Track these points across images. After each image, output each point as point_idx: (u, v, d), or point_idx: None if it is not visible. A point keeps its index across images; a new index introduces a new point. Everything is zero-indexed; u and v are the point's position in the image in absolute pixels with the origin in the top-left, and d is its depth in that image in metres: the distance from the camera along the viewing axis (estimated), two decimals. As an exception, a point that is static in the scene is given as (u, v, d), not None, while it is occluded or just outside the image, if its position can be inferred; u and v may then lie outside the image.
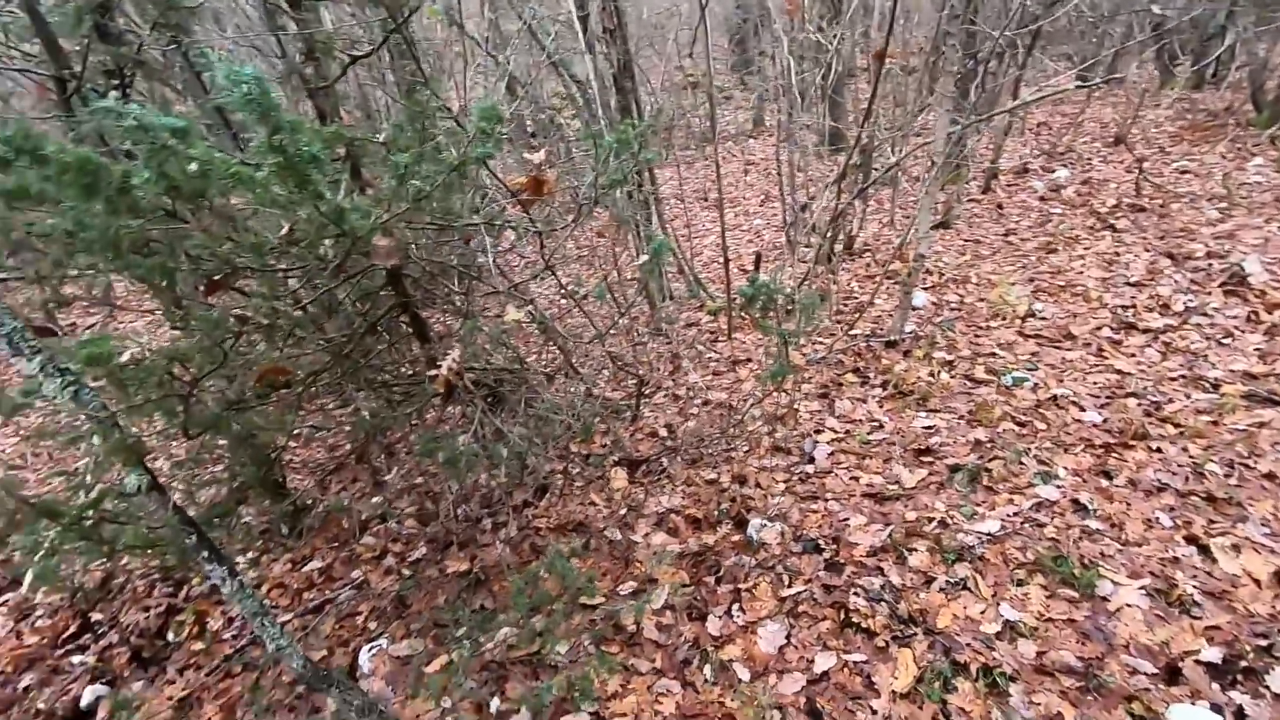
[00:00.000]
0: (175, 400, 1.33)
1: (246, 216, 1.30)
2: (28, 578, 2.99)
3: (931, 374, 3.34)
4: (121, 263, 1.29)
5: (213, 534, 2.09)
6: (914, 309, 4.02)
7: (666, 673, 2.10)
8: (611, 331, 4.22)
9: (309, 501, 2.90)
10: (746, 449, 3.08)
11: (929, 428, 2.99)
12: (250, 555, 2.87)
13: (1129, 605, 2.00)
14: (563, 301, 4.29)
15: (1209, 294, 3.59)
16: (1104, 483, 2.49)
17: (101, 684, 2.43)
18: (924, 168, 6.31)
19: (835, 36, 5.34)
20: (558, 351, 3.16)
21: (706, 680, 2.05)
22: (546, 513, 2.88)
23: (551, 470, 3.09)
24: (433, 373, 1.74)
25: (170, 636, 2.60)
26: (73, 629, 2.71)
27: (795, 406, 3.23)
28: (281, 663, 2.37)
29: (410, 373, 2.70)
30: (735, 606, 2.27)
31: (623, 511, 2.80)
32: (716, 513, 2.70)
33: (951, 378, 3.30)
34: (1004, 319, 3.77)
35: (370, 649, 2.32)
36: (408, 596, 2.56)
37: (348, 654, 2.36)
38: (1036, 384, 3.13)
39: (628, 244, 4.25)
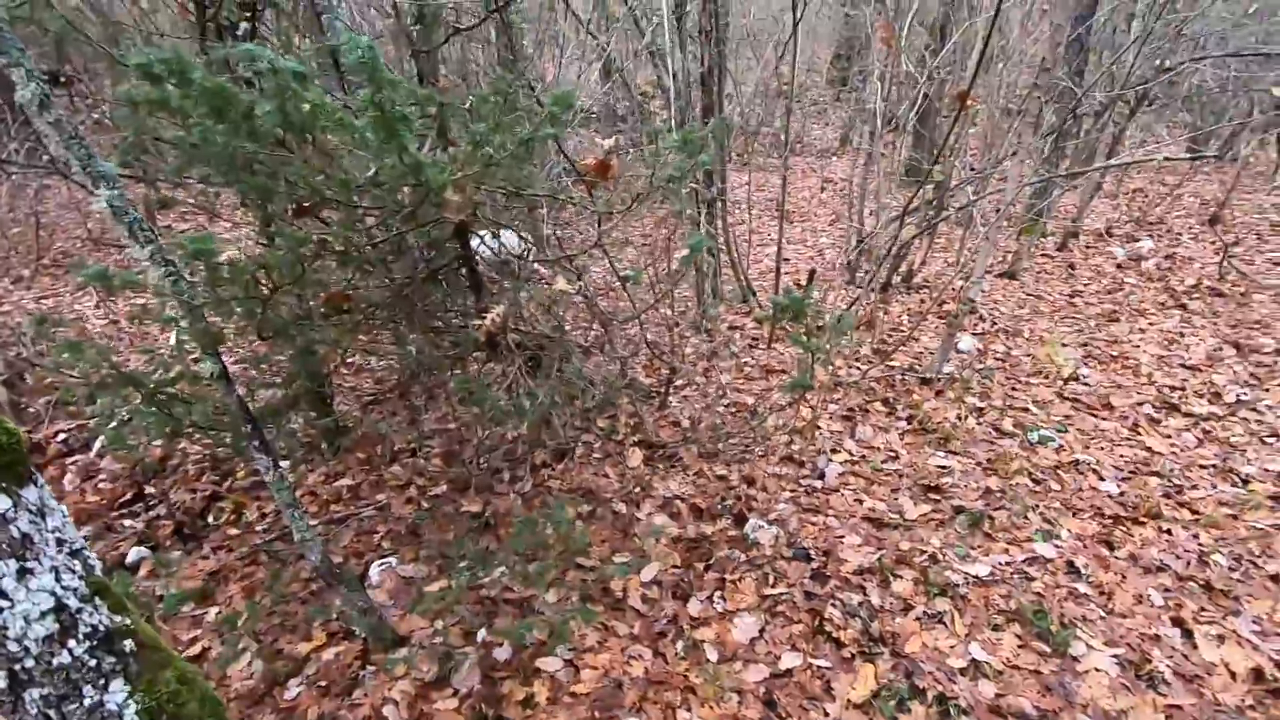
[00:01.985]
0: (255, 303, 1.53)
1: (342, 155, 1.48)
2: (98, 442, 3.33)
3: (959, 417, 3.37)
4: (232, 178, 1.50)
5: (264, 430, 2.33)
6: (957, 351, 4.02)
7: (642, 640, 2.24)
8: (653, 320, 4.37)
9: (349, 424, 3.13)
10: (761, 454, 3.18)
11: (943, 468, 3.03)
12: (290, 460, 3.13)
13: (1098, 669, 2.04)
14: (612, 284, 4.44)
15: (1266, 390, 3.49)
16: (1104, 552, 2.50)
17: (145, 547, 2.72)
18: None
19: (930, 70, 5.31)
20: (598, 328, 3.31)
21: (678, 654, 2.18)
22: (561, 476, 3.05)
23: (573, 438, 3.26)
24: (477, 322, 1.91)
25: (210, 519, 2.88)
26: (128, 496, 3.02)
27: (816, 423, 3.31)
28: (302, 559, 2.61)
29: (460, 323, 2.90)
30: (718, 594, 2.39)
31: (633, 489, 2.94)
32: (719, 506, 2.82)
33: (978, 424, 3.32)
34: (1046, 378, 3.75)
35: (381, 564, 2.54)
36: (421, 526, 2.76)
37: (360, 565, 2.58)
38: (1061, 446, 3.13)
39: (681, 239, 4.37)
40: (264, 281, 1.46)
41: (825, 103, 12.72)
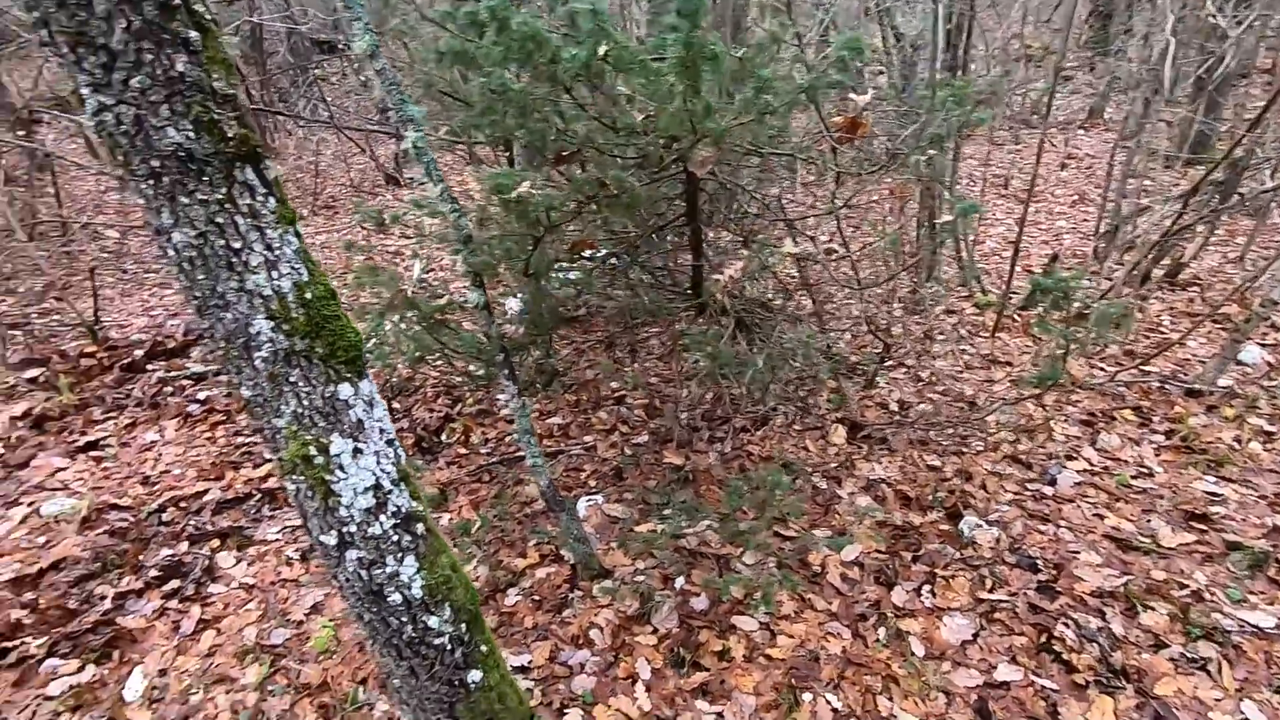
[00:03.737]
0: (529, 240, 1.66)
1: (623, 101, 1.53)
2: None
3: (1238, 439, 2.84)
4: (521, 122, 1.61)
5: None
6: (1238, 362, 3.38)
7: (841, 618, 2.17)
8: (870, 292, 4.14)
9: (561, 367, 3.35)
10: (980, 449, 2.92)
11: (1214, 495, 2.58)
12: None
13: None
14: (829, 251, 4.27)
15: None
16: None
17: (393, 453, 3.13)
18: (1312, 204, 5.05)
19: (1241, 22, 4.41)
20: (808, 297, 3.20)
21: (878, 640, 2.09)
22: (761, 443, 3.03)
23: (775, 406, 3.21)
24: (717, 277, 1.91)
25: (443, 437, 3.24)
26: (380, 408, 3.49)
27: (1050, 423, 2.96)
28: (520, 483, 2.86)
29: (669, 281, 2.95)
30: (926, 588, 2.25)
31: (834, 465, 2.84)
32: (930, 498, 2.64)
33: (1265, 450, 2.77)
34: (1367, 406, 3.03)
35: (588, 500, 2.70)
36: (625, 471, 2.89)
37: (567, 496, 2.77)
38: (1389, 491, 2.52)
39: (911, 208, 4.07)
40: (542, 220, 1.57)
41: (1074, 69, 11.12)
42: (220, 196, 1.04)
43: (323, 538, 1.29)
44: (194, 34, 0.98)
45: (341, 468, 1.24)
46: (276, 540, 2.66)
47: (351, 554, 1.30)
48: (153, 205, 1.04)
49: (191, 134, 1.00)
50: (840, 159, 2.25)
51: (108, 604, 2.33)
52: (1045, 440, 2.90)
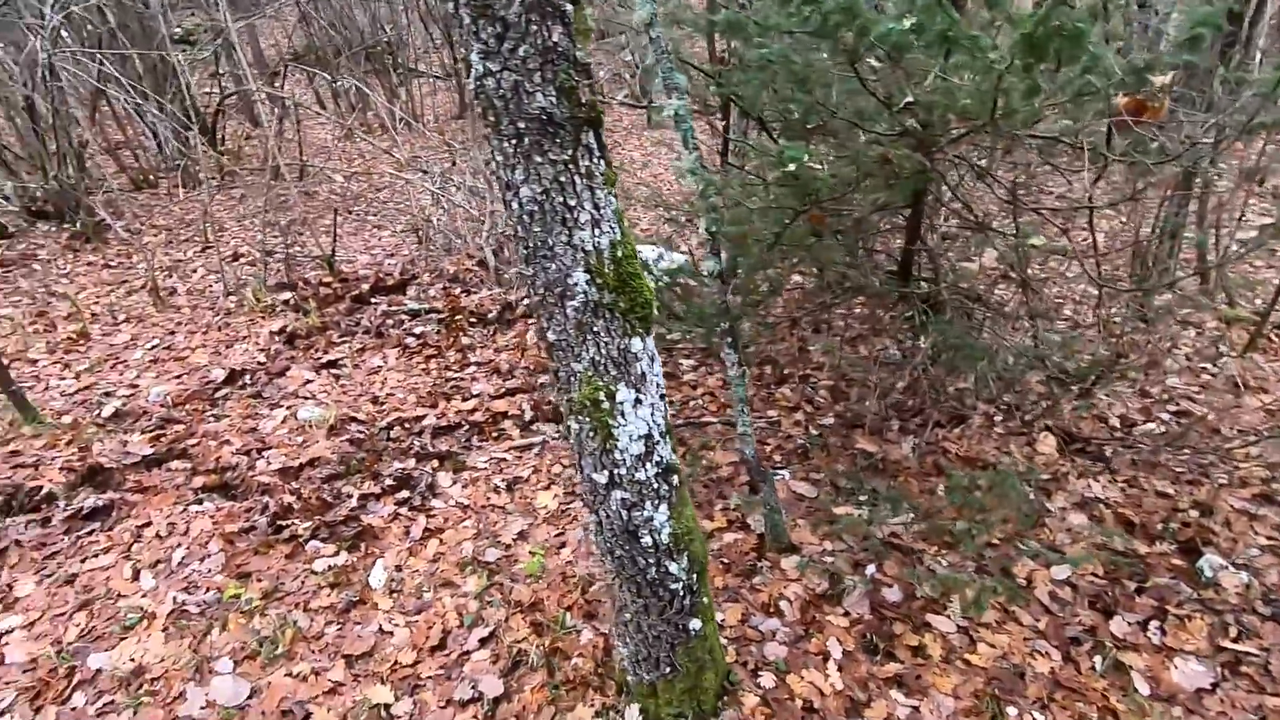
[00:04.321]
0: (789, 214, 1.67)
1: (917, 75, 1.48)
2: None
3: None
4: (795, 93, 1.60)
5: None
6: None
7: (1049, 638, 2.05)
8: (1078, 295, 3.77)
9: (749, 340, 3.36)
10: (1224, 482, 2.60)
11: None
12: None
13: None
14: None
15: None
16: None
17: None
18: None
19: None
20: (1032, 292, 2.96)
21: (1094, 668, 1.96)
22: (957, 441, 2.89)
23: (973, 405, 3.04)
24: (966, 264, 1.83)
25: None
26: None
27: (1321, 465, 2.57)
28: (712, 449, 2.93)
29: (870, 264, 2.84)
30: (1154, 624, 2.06)
31: (1044, 476, 2.65)
32: (1161, 527, 2.39)
33: None
34: None
35: (775, 474, 2.72)
36: (811, 451, 2.88)
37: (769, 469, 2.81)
38: None
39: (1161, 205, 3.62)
40: (813, 194, 1.58)
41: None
42: (567, 157, 1.14)
43: (595, 475, 1.41)
44: (569, 6, 1.07)
45: (623, 414, 1.34)
46: (485, 469, 2.94)
47: (617, 494, 1.41)
48: (510, 162, 1.16)
49: (555, 99, 1.10)
50: (1113, 146, 2.05)
51: (353, 502, 2.70)
52: (1312, 483, 2.52)
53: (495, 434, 3.18)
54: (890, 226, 2.87)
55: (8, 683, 2.01)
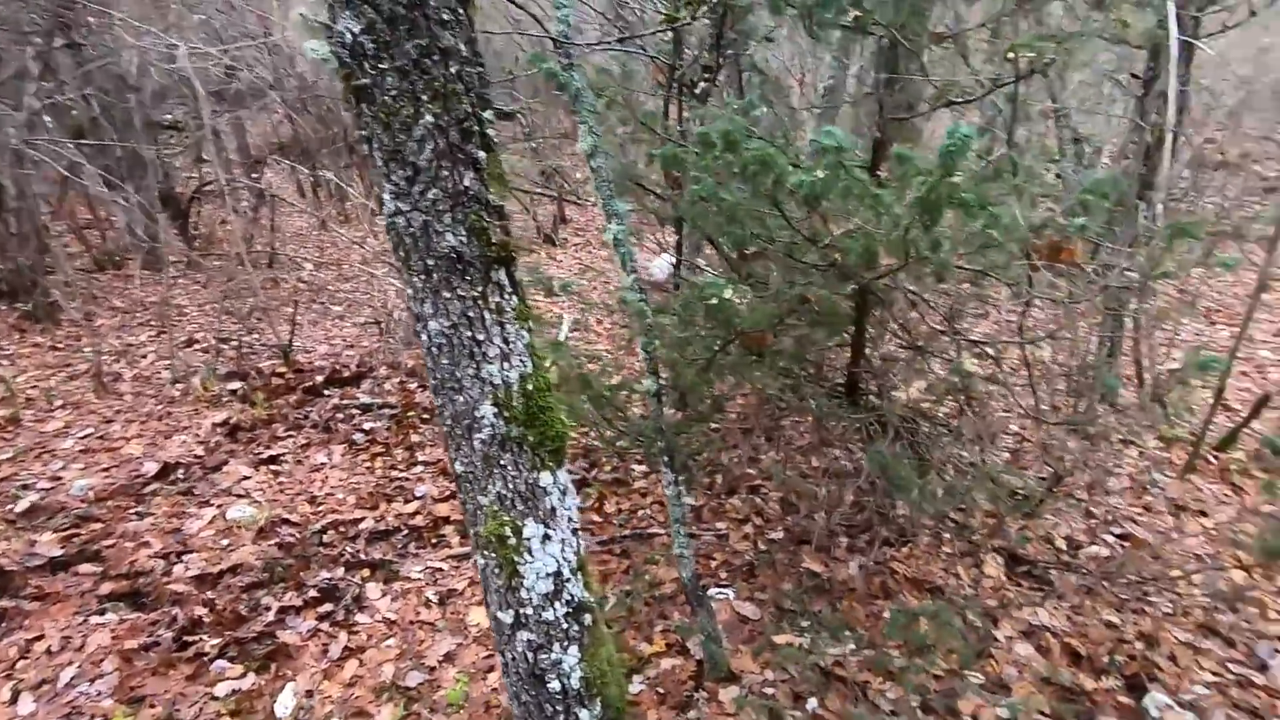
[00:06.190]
0: (717, 339, 1.70)
1: (831, 215, 1.56)
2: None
3: None
4: (720, 226, 1.66)
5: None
6: None
7: (995, 786, 1.94)
8: (1019, 411, 3.85)
9: (702, 451, 3.34)
10: (1168, 611, 2.57)
11: None
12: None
13: None
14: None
15: None
16: None
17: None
18: None
19: None
20: (976, 415, 3.01)
21: (1041, 822, 1.84)
22: (905, 561, 2.84)
23: (919, 523, 3.01)
24: (896, 393, 1.85)
25: (579, 502, 3.31)
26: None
27: (1262, 597, 2.56)
28: (649, 563, 2.84)
29: (818, 376, 2.88)
30: (1102, 771, 1.97)
31: (990, 602, 2.60)
32: (1106, 660, 2.34)
33: None
34: None
35: (718, 593, 2.63)
36: (758, 568, 2.80)
37: (705, 594, 2.71)
38: None
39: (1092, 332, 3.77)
40: (736, 323, 1.61)
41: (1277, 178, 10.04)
42: (476, 294, 1.15)
43: (500, 614, 1.33)
44: (482, 154, 1.11)
45: (530, 551, 1.29)
46: (419, 580, 2.80)
47: (523, 635, 1.34)
48: (419, 296, 1.16)
49: (465, 239, 1.12)
50: (1035, 282, 2.15)
51: (271, 615, 2.54)
52: (1257, 616, 2.50)
53: (435, 540, 3.05)
54: (837, 344, 2.93)
55: None
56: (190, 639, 2.38)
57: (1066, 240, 2.01)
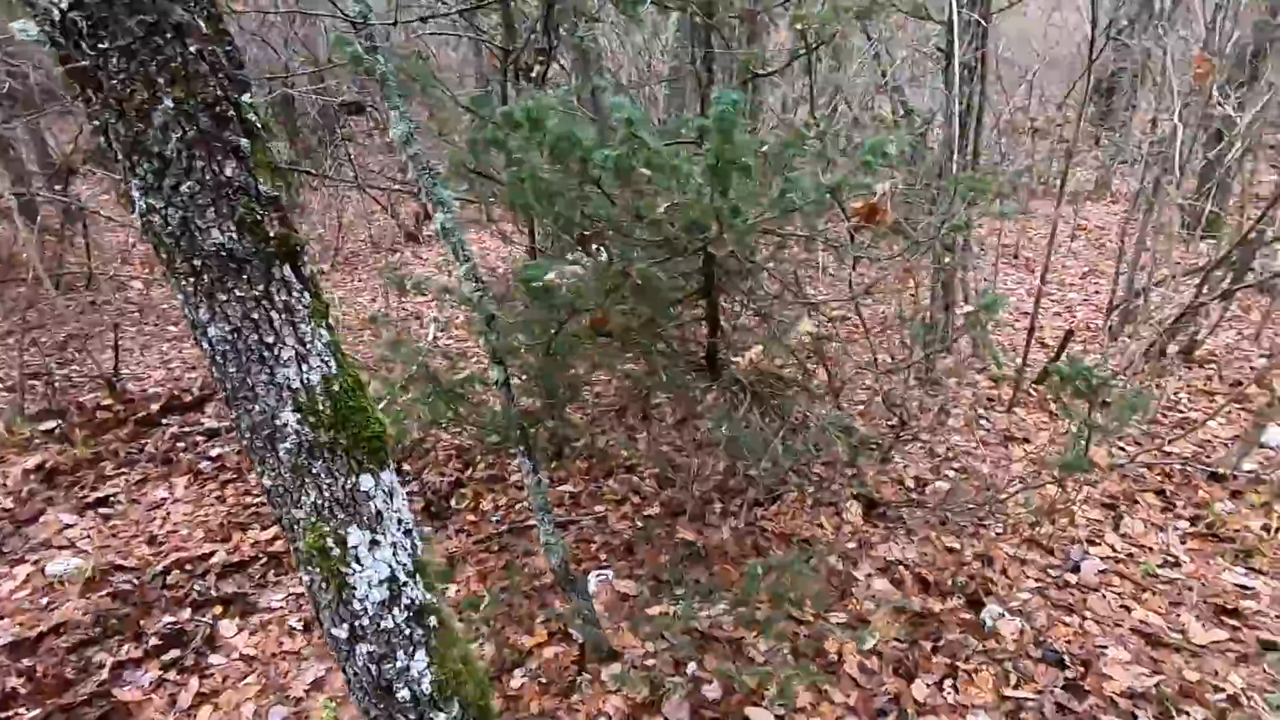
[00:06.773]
0: (553, 323, 1.68)
1: (646, 190, 1.57)
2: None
3: (1266, 528, 2.77)
4: (547, 208, 1.65)
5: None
6: (1262, 445, 3.32)
7: (860, 713, 2.09)
8: (872, 366, 4.14)
9: (574, 436, 3.33)
10: (1000, 532, 2.86)
11: (1245, 588, 2.50)
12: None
13: None
14: (840, 325, 4.29)
15: None
16: None
17: (402, 519, 3.09)
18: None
19: (1248, 110, 4.53)
20: (825, 372, 3.20)
21: (899, 739, 2.00)
22: (774, 519, 2.98)
23: (784, 481, 3.17)
24: (736, 359, 1.92)
25: (453, 503, 3.21)
26: (391, 470, 3.47)
27: (1071, 507, 2.90)
28: (529, 555, 2.81)
29: (681, 351, 2.96)
30: (948, 682, 2.16)
31: (850, 545, 2.78)
32: (951, 583, 2.57)
33: (1295, 541, 2.70)
34: (1399, 496, 2.95)
35: (599, 575, 2.64)
36: (636, 545, 2.84)
37: (577, 572, 2.71)
38: None
39: (922, 284, 4.10)
40: (565, 306, 1.60)
41: (1080, 144, 11.36)
42: (257, 293, 1.06)
43: (334, 631, 1.26)
44: (244, 141, 1.02)
45: (358, 560, 1.22)
46: (280, 608, 2.61)
47: (362, 648, 1.27)
48: (191, 301, 1.06)
49: (234, 235, 1.03)
50: (858, 243, 2.29)
51: (105, 673, 2.28)
52: (1068, 524, 2.84)
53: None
54: (695, 318, 3.00)
55: None
56: (3, 716, 2.09)
57: (880, 203, 2.15)
